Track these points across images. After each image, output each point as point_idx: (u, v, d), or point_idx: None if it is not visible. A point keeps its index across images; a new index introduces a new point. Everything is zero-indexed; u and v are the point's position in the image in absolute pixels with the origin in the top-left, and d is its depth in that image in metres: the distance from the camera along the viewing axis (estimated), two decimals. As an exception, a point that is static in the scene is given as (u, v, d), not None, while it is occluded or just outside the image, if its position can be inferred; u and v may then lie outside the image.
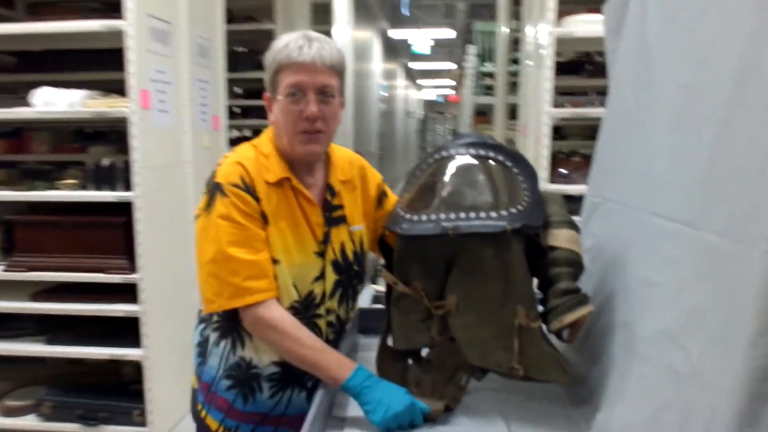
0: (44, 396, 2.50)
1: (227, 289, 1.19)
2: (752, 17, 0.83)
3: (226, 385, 1.30)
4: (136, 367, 2.68)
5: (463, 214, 1.07)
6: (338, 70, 1.24)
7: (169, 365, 2.54)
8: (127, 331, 2.49)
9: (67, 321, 2.56)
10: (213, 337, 1.31)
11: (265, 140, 1.30)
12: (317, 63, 1.19)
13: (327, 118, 1.23)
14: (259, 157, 1.26)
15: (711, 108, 0.92)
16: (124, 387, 2.61)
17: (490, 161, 1.15)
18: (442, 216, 1.09)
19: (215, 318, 1.30)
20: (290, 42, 1.21)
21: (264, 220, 1.22)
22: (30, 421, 2.49)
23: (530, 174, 1.17)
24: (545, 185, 2.58)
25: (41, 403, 2.46)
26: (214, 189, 1.22)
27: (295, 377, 1.29)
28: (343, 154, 1.40)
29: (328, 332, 1.31)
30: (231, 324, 1.27)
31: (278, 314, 1.20)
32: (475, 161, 1.15)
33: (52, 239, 2.38)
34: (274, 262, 1.22)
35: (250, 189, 1.21)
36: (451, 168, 1.15)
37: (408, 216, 1.13)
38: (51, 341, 2.47)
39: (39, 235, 2.40)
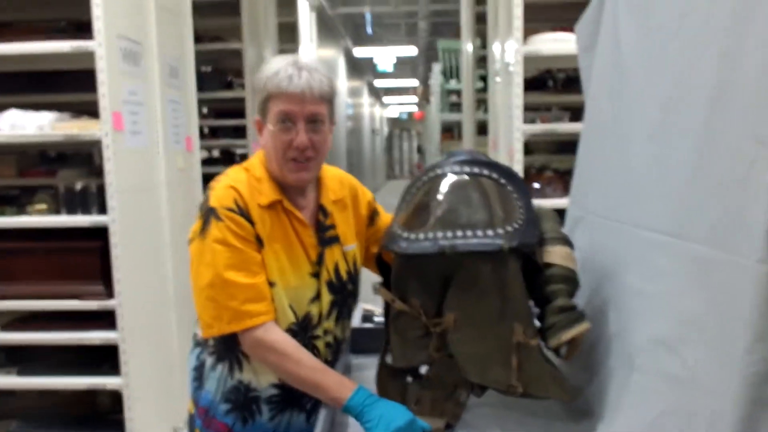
0: (16, 429, 2.40)
1: (226, 313, 1.18)
2: (725, 34, 0.88)
3: (224, 410, 1.29)
4: (112, 397, 2.61)
5: (459, 233, 1.08)
6: (328, 98, 1.25)
7: (149, 393, 2.48)
8: (103, 359, 2.42)
9: (41, 351, 2.48)
10: (209, 361, 1.30)
11: (256, 163, 1.30)
12: (306, 94, 1.20)
13: (317, 146, 1.24)
14: (251, 180, 1.26)
15: (690, 121, 0.96)
16: (100, 417, 2.54)
17: (484, 179, 1.16)
18: (439, 234, 1.09)
19: (211, 342, 1.29)
20: (280, 70, 1.22)
21: (259, 243, 1.23)
22: (1, 456, 2.41)
23: (523, 191, 1.19)
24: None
25: (13, 438, 2.38)
26: (208, 213, 1.22)
27: (294, 399, 1.28)
28: (333, 173, 1.40)
29: (326, 353, 1.31)
30: (228, 347, 1.27)
31: (278, 336, 1.20)
32: (469, 179, 1.16)
33: (23, 266, 2.31)
34: (271, 284, 1.23)
35: (244, 212, 1.21)
36: (445, 186, 1.16)
37: (405, 234, 1.14)
38: (23, 372, 2.38)
39: (10, 263, 2.32)
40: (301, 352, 1.19)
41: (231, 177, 1.27)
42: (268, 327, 1.19)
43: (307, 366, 1.18)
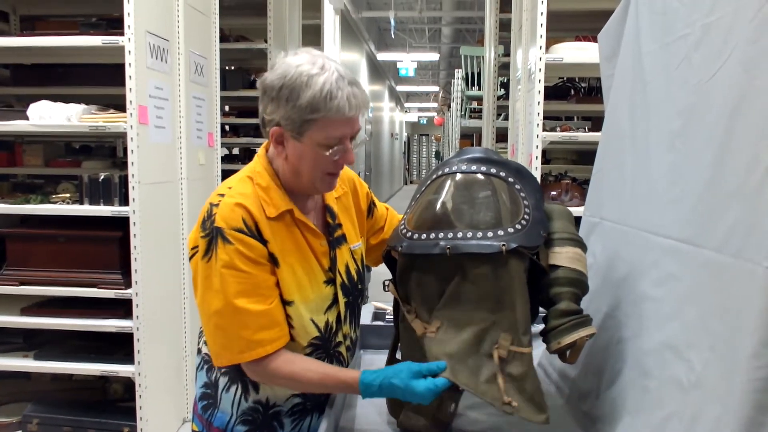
0: (29, 412, 2.45)
1: (237, 342, 1.12)
2: (747, 44, 0.88)
3: (242, 431, 1.24)
4: (124, 385, 2.66)
5: (460, 234, 1.05)
6: None
7: (161, 382, 2.52)
8: (116, 347, 2.47)
9: (57, 336, 2.53)
10: (222, 381, 1.24)
11: (260, 170, 1.20)
12: (360, 114, 1.14)
13: None
14: (257, 190, 1.17)
15: (709, 130, 0.96)
16: (111, 404, 2.58)
17: (493, 177, 1.14)
18: (441, 235, 1.07)
19: None
20: (333, 90, 1.10)
21: (273, 261, 1.15)
22: (16, 438, 2.45)
23: (534, 189, 1.15)
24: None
25: (29, 420, 2.42)
26: (214, 233, 1.12)
27: (317, 402, 1.26)
28: None
29: (347, 357, 1.27)
30: (241, 370, 1.19)
31: (282, 360, 1.14)
32: (477, 177, 1.15)
33: (44, 253, 2.37)
34: (288, 303, 1.16)
35: (254, 232, 1.13)
36: (452, 185, 1.15)
37: (409, 234, 1.13)
38: (40, 356, 2.44)
39: (31, 249, 2.38)
40: (306, 372, 1.14)
41: (236, 191, 1.16)
42: (272, 355, 1.13)
43: (314, 383, 1.14)
